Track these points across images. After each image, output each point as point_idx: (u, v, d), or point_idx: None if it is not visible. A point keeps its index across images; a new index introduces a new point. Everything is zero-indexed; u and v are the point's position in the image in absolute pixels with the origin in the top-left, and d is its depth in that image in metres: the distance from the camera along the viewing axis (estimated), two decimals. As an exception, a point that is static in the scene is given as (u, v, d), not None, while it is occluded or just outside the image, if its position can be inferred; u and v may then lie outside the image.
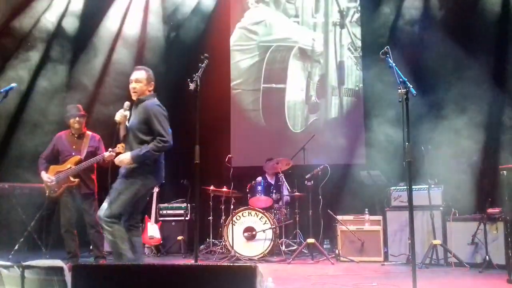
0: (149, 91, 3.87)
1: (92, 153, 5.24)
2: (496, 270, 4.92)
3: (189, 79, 3.42)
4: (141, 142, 3.74)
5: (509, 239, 4.32)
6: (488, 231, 5.20)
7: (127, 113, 3.82)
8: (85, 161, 5.12)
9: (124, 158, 3.73)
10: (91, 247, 5.53)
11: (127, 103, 3.82)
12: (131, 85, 3.83)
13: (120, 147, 4.94)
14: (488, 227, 5.21)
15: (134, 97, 3.84)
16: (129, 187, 3.73)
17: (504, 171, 4.37)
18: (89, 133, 5.43)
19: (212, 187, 6.76)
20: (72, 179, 5.12)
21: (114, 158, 4.71)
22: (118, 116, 3.79)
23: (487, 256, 5.06)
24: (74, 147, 5.27)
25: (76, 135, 5.34)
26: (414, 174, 3.03)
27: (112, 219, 3.65)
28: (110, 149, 5.08)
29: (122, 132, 3.88)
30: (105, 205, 3.71)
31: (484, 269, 4.96)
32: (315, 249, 6.09)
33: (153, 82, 3.90)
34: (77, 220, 5.26)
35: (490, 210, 5.25)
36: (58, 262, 2.38)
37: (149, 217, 6.99)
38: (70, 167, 5.12)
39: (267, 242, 6.17)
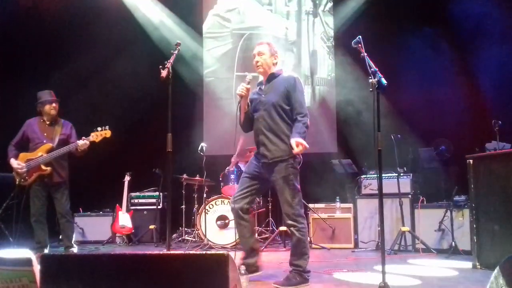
0: (274, 64, 3.72)
1: (64, 141, 5.11)
2: (462, 255, 5.08)
3: (160, 66, 3.37)
4: (284, 114, 3.58)
5: (474, 225, 4.46)
6: (455, 218, 5.36)
7: (249, 86, 3.66)
8: (57, 149, 5.00)
9: (302, 142, 3.44)
10: (60, 237, 5.44)
11: (248, 76, 3.69)
12: (255, 59, 3.71)
13: (93, 135, 4.85)
14: (454, 214, 5.37)
15: (259, 71, 3.72)
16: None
17: (470, 160, 4.50)
18: (61, 120, 5.29)
19: (184, 176, 6.72)
20: (43, 167, 4.99)
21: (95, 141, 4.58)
22: (240, 90, 3.61)
23: (453, 242, 5.22)
24: (45, 134, 5.13)
25: (48, 122, 5.19)
26: (384, 163, 3.08)
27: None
28: (83, 137, 4.99)
29: (244, 106, 3.69)
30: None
31: (450, 255, 5.12)
32: (287, 237, 6.15)
33: (277, 55, 3.75)
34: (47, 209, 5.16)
35: (456, 198, 5.41)
36: (26, 252, 2.33)
37: (120, 206, 6.91)
38: (42, 155, 4.99)
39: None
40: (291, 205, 3.53)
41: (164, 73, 3.29)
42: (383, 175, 3.21)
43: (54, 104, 5.17)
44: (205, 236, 6.12)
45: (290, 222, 3.54)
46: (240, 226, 3.76)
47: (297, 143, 3.40)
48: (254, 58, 3.72)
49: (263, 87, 3.74)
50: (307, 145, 3.42)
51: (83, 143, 4.88)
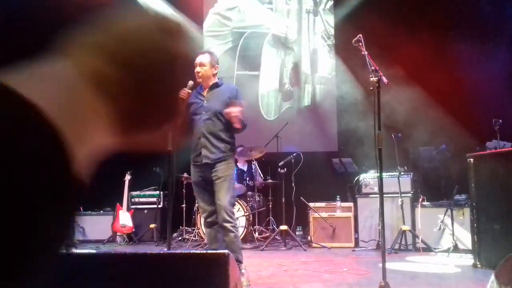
0: (214, 74, 3.88)
1: None
2: (462, 254, 5.08)
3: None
4: (225, 121, 3.73)
5: (475, 224, 4.46)
6: (455, 217, 5.36)
7: (190, 91, 3.77)
8: None
9: (238, 111, 3.60)
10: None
11: (191, 82, 3.76)
12: (196, 69, 3.82)
13: None
14: (455, 213, 5.37)
15: (198, 80, 3.83)
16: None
17: (471, 159, 4.50)
18: None
19: (185, 175, 6.71)
20: None
21: None
22: (182, 94, 3.61)
23: (453, 241, 5.22)
24: None
25: None
26: (384, 162, 3.07)
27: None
28: None
29: (184, 109, 3.79)
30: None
31: (450, 254, 5.12)
32: (287, 236, 6.15)
33: (217, 66, 3.91)
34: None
35: (457, 197, 5.41)
36: None
37: (121, 205, 6.91)
38: None
39: (240, 229, 6.18)
40: (229, 203, 3.66)
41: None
42: (383, 174, 3.20)
43: None
44: (205, 235, 6.11)
45: (227, 218, 3.62)
46: (215, 232, 3.79)
47: (235, 110, 3.57)
48: (195, 67, 3.83)
49: (203, 92, 3.87)
50: (240, 116, 3.60)
51: None
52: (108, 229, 7.01)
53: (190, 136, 3.84)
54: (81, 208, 7.36)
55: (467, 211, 5.26)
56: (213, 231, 3.78)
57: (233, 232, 3.62)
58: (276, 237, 6.27)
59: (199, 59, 3.82)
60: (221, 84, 3.89)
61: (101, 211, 7.34)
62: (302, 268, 4.53)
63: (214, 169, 3.72)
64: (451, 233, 5.30)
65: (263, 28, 8.38)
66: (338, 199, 6.28)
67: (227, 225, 3.61)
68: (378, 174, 3.11)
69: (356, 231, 6.13)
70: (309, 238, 6.23)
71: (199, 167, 3.79)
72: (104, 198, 7.39)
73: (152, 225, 6.89)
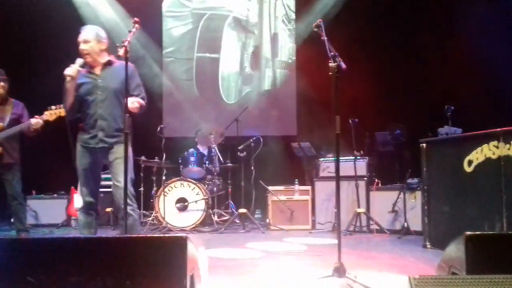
0: (102, 50, 3.63)
1: (15, 121, 4.91)
2: (414, 236, 5.29)
3: (118, 44, 3.25)
4: (122, 102, 3.52)
5: (426, 207, 4.65)
6: (407, 200, 5.56)
7: (80, 68, 3.54)
8: (8, 128, 4.80)
9: (139, 101, 3.53)
10: (12, 220, 5.25)
11: (80, 60, 3.55)
12: (80, 47, 3.59)
13: (47, 114, 4.65)
14: (407, 196, 5.57)
15: (87, 60, 3.58)
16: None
17: (424, 144, 4.66)
18: (12, 99, 5.08)
19: (143, 158, 6.62)
20: None
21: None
22: (70, 71, 3.46)
23: (405, 223, 5.43)
24: None
25: None
26: (341, 146, 3.13)
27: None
28: (36, 116, 4.79)
29: (73, 88, 3.54)
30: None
31: (402, 235, 5.33)
32: (246, 219, 6.20)
33: (104, 41, 3.65)
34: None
35: (409, 181, 5.61)
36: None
37: (76, 188, 6.73)
38: None
39: (199, 212, 6.18)
40: (130, 185, 3.52)
41: (121, 51, 3.18)
42: (340, 158, 3.27)
43: (2, 83, 4.95)
44: (163, 218, 6.08)
45: (129, 202, 3.46)
46: (91, 218, 3.70)
47: (135, 102, 3.49)
48: (79, 45, 3.63)
49: (95, 71, 3.66)
50: (143, 103, 3.58)
51: (36, 121, 4.69)
52: (62, 213, 6.84)
53: (82, 118, 3.63)
54: (33, 191, 7.18)
55: (419, 194, 5.45)
56: (89, 217, 3.66)
57: (132, 215, 3.48)
58: (235, 220, 6.31)
59: (82, 36, 3.60)
60: (115, 61, 3.67)
61: (55, 195, 7.14)
62: (260, 250, 4.59)
63: (111, 152, 3.58)
64: (403, 215, 5.50)
65: (224, 10, 8.28)
66: (296, 182, 6.37)
67: (128, 208, 3.39)
68: (335, 158, 3.17)
69: (313, 213, 6.26)
70: (267, 221, 6.31)
71: (92, 150, 3.61)
72: (58, 182, 7.18)
73: (108, 209, 6.75)
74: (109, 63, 3.67)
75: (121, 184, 3.44)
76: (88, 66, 3.64)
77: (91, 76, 3.63)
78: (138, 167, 6.68)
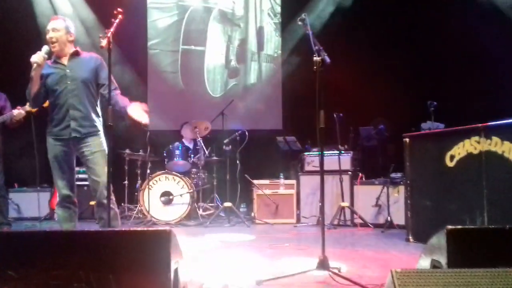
0: (70, 41, 3.59)
1: None
2: (397, 229, 5.36)
3: (100, 35, 3.21)
4: (93, 91, 3.58)
5: (409, 201, 4.71)
6: (391, 194, 5.63)
7: (46, 56, 3.47)
8: None
9: (145, 108, 3.46)
10: (-6, 214, 5.18)
11: (46, 47, 3.48)
12: (48, 35, 3.53)
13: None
14: (390, 190, 5.63)
15: (54, 49, 3.52)
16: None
17: (407, 139, 4.71)
18: None
19: (127, 151, 6.56)
20: None
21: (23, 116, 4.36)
22: (37, 58, 3.38)
23: (389, 217, 5.49)
24: None
25: None
26: (325, 141, 3.15)
27: None
28: (18, 106, 4.72)
29: (37, 77, 3.47)
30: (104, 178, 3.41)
31: (386, 229, 5.39)
32: (232, 213, 6.21)
33: (72, 32, 3.61)
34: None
35: (393, 175, 5.67)
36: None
37: (59, 181, 6.65)
38: None
39: (184, 206, 6.17)
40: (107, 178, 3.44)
41: (104, 42, 3.13)
42: (324, 152, 3.29)
43: None
44: (148, 212, 6.05)
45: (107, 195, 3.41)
46: (69, 212, 3.69)
47: (142, 110, 3.46)
48: (47, 33, 3.59)
49: (62, 61, 3.61)
50: (147, 109, 3.52)
51: (18, 112, 4.63)
52: (45, 206, 6.76)
53: (51, 110, 3.57)
54: (16, 184, 7.07)
55: (402, 188, 5.52)
56: (68, 211, 3.64)
57: (112, 209, 3.44)
58: (220, 214, 6.31)
59: (52, 24, 3.56)
60: (81, 53, 3.64)
61: (38, 188, 7.04)
62: (245, 244, 4.61)
63: (85, 144, 3.53)
64: (387, 209, 5.56)
65: (210, 2, 8.23)
66: (281, 176, 6.40)
67: (106, 201, 3.33)
68: (320, 152, 3.19)
69: (298, 207, 6.29)
70: (252, 214, 6.33)
71: (64, 141, 3.55)
72: (41, 174, 7.08)
73: (92, 202, 6.66)
74: (76, 53, 3.62)
75: (101, 179, 3.45)
76: (55, 56, 3.59)
77: (58, 67, 3.58)
78: (123, 160, 6.63)
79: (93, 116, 3.58)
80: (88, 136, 3.54)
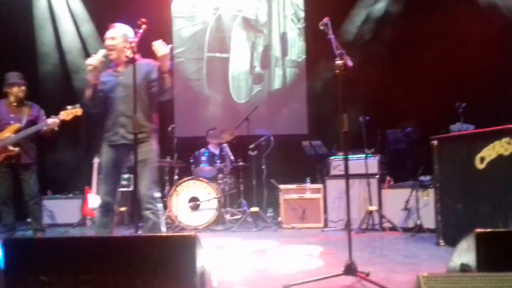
0: (127, 48, 3.58)
1: (32, 123, 5.05)
2: (427, 233, 5.24)
3: (125, 46, 3.28)
4: (146, 97, 3.61)
5: (438, 204, 4.62)
6: (420, 197, 5.52)
7: (104, 59, 3.53)
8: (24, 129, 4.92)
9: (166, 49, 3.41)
10: (29, 220, 5.35)
11: (102, 51, 3.53)
12: (106, 43, 3.61)
13: (64, 114, 4.73)
14: (419, 193, 5.53)
15: (111, 57, 3.60)
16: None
17: (435, 141, 4.63)
18: (28, 102, 5.22)
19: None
20: (11, 148, 4.90)
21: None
22: (94, 60, 3.44)
23: (418, 221, 5.39)
24: (12, 115, 5.07)
25: (15, 104, 5.11)
26: (352, 144, 3.14)
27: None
28: (52, 116, 4.88)
29: (95, 80, 3.52)
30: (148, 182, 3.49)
31: (415, 233, 5.29)
32: (258, 218, 6.22)
33: (131, 40, 3.56)
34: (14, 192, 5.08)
35: (421, 178, 5.56)
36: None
37: (90, 188, 6.82)
38: (9, 136, 4.89)
39: (211, 211, 6.22)
40: (152, 188, 3.52)
41: (129, 52, 3.21)
42: (351, 156, 3.27)
43: (22, 87, 5.11)
44: (176, 217, 6.13)
45: (148, 206, 3.47)
46: (107, 219, 3.66)
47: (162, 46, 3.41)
48: (104, 41, 3.63)
49: (119, 68, 3.65)
50: (167, 51, 3.42)
51: (52, 121, 4.78)
52: (77, 213, 6.93)
53: (106, 117, 3.63)
54: (49, 191, 7.29)
55: (431, 191, 5.41)
56: (105, 217, 3.62)
57: (150, 219, 3.45)
58: (247, 219, 6.33)
59: (110, 33, 3.61)
60: (137, 59, 3.56)
61: (70, 195, 7.24)
62: (273, 248, 4.61)
63: (132, 152, 3.47)
64: (416, 213, 5.46)
65: (233, 10, 8.30)
66: (308, 181, 6.37)
67: (147, 212, 3.45)
68: (344, 156, 3.18)
69: (325, 211, 6.24)
70: (279, 219, 6.32)
71: (115, 147, 3.58)
72: (73, 182, 7.28)
73: (122, 208, 6.83)
74: (132, 60, 3.53)
75: (141, 191, 3.49)
76: (114, 64, 3.67)
77: (114, 74, 3.65)
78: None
79: (144, 122, 3.59)
80: (137, 144, 3.46)
